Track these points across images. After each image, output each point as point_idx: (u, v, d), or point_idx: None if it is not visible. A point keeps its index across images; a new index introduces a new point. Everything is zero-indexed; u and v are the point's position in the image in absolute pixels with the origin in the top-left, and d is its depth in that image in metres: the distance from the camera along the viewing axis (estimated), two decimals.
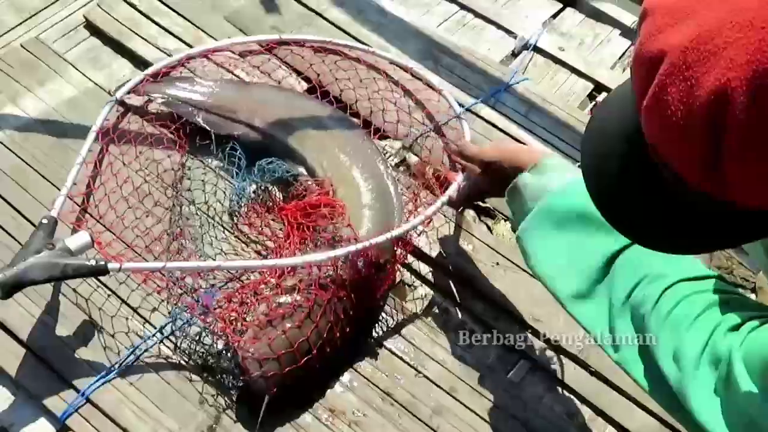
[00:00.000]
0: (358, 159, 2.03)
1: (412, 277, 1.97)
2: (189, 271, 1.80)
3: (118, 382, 1.73)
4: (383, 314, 1.90)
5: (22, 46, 2.20)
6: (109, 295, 1.83)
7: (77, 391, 1.70)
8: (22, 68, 2.14)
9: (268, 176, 1.98)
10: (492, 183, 1.67)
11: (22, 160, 2.01)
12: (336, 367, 1.80)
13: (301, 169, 2.03)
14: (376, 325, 1.88)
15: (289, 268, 1.79)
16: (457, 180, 1.89)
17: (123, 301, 1.84)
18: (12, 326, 1.76)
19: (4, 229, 1.91)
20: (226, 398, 1.73)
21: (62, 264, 1.59)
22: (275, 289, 1.77)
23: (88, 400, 1.69)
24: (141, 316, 1.83)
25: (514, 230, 1.59)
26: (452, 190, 1.87)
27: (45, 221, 1.69)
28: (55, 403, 1.68)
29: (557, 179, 1.35)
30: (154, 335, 1.79)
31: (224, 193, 2.01)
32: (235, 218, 1.98)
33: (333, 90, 2.21)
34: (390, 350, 1.86)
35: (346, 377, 1.81)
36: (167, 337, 1.79)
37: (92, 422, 1.68)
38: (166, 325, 1.80)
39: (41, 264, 1.59)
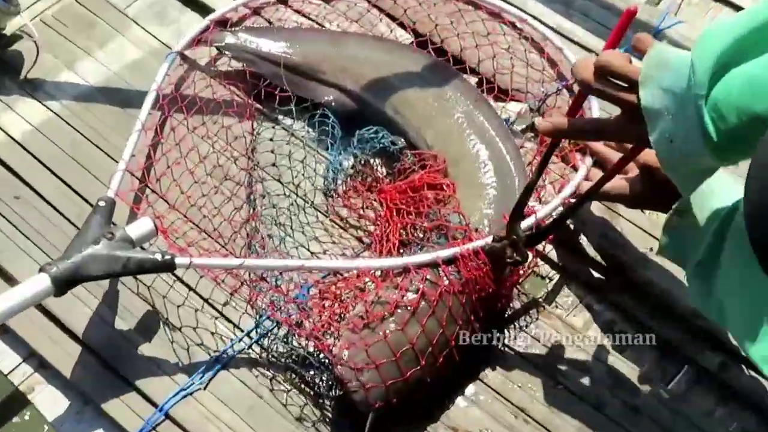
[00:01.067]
0: (475, 128, 1.91)
1: (547, 267, 1.86)
2: (272, 269, 1.73)
3: (201, 395, 1.68)
4: (511, 312, 1.80)
5: (77, 1, 2.16)
6: (188, 293, 1.78)
7: (154, 405, 1.66)
8: (77, 27, 2.10)
9: (369, 148, 1.90)
10: (650, 190, 1.59)
11: (82, 134, 1.98)
12: (456, 377, 1.71)
13: (402, 142, 1.95)
14: (504, 325, 1.78)
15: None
16: (585, 163, 1.77)
17: (200, 296, 1.79)
18: (73, 327, 1.73)
19: (62, 215, 1.87)
20: (326, 413, 1.66)
21: (123, 257, 1.56)
22: (374, 286, 1.70)
23: (168, 416, 1.65)
24: (223, 316, 1.77)
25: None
26: (578, 179, 1.76)
27: (102, 203, 1.66)
28: (129, 419, 1.64)
29: None
30: (240, 340, 1.73)
31: (314, 169, 1.94)
32: (331, 198, 1.91)
33: (448, 45, 2.09)
34: (522, 356, 1.76)
35: (470, 389, 1.71)
36: (256, 342, 1.74)
37: None
38: (252, 329, 1.74)
39: (100, 257, 1.55)
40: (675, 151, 1.15)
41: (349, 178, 1.91)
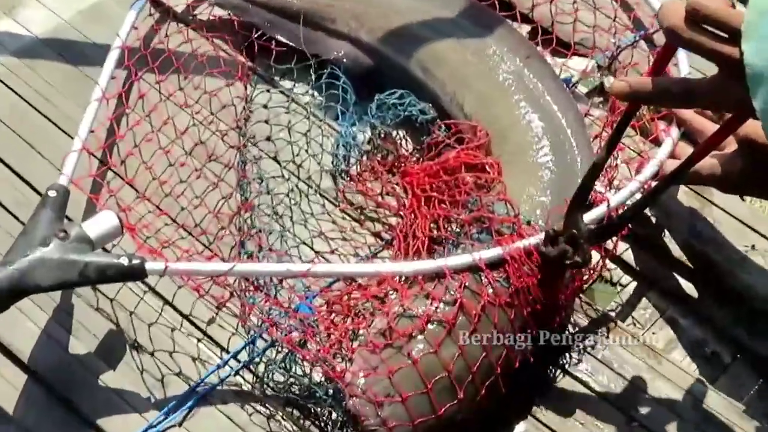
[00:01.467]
0: (526, 92, 1.80)
1: (619, 271, 1.77)
2: (269, 275, 1.63)
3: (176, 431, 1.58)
4: (573, 329, 1.70)
5: None
6: (162, 307, 1.68)
7: None
8: None
9: (391, 117, 1.82)
10: (752, 170, 1.51)
11: (25, 100, 1.89)
12: (503, 413, 1.60)
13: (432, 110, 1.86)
14: (564, 346, 1.68)
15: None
16: (671, 136, 1.66)
17: (178, 311, 1.67)
18: (16, 350, 1.62)
19: (1, 207, 1.77)
20: None
21: (80, 262, 1.48)
22: (398, 295, 1.58)
23: None
24: (207, 336, 1.66)
25: None
26: (662, 156, 1.65)
27: (52, 193, 1.58)
28: None
29: None
30: (225, 363, 1.62)
31: (321, 145, 1.86)
32: (341, 182, 1.83)
33: None
34: (587, 386, 1.65)
35: (520, 428, 1.60)
36: (246, 367, 1.62)
37: None
38: (241, 348, 1.63)
39: (50, 262, 1.47)
40: None
41: (364, 156, 1.84)
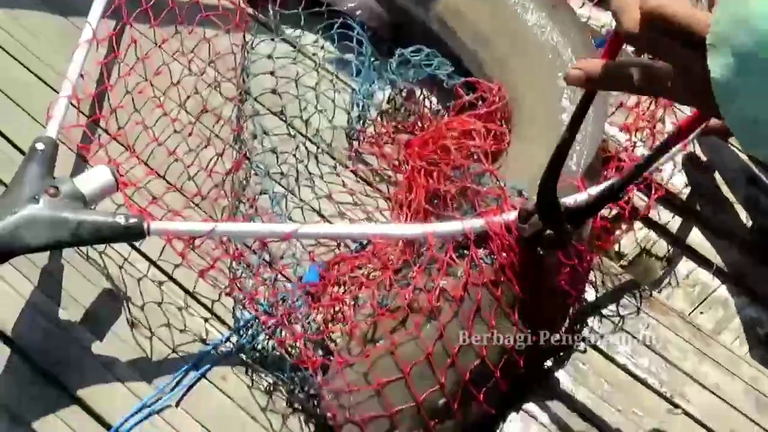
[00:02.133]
0: (548, 49, 1.85)
1: (663, 242, 1.84)
2: (255, 236, 1.72)
3: (171, 415, 1.65)
4: (607, 306, 1.77)
5: None
6: (149, 271, 1.74)
7: (106, 426, 1.63)
8: None
9: (413, 76, 1.87)
10: None
11: (4, 50, 1.95)
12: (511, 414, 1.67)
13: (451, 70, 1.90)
14: (594, 321, 1.76)
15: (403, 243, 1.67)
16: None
17: (175, 281, 1.76)
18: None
19: None
20: None
21: (73, 221, 1.53)
22: (380, 273, 1.66)
23: None
24: (204, 307, 1.74)
25: None
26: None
27: (40, 146, 1.62)
28: None
29: None
30: (227, 339, 1.71)
31: (333, 100, 1.92)
32: (355, 142, 1.89)
33: None
34: (625, 369, 1.73)
35: (547, 413, 1.67)
36: (249, 344, 1.71)
37: None
38: (241, 327, 1.72)
39: (39, 220, 1.52)
40: (761, 136, 1.07)
41: (381, 117, 1.89)
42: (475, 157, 1.71)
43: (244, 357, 1.69)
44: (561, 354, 1.71)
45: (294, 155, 1.88)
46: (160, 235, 1.60)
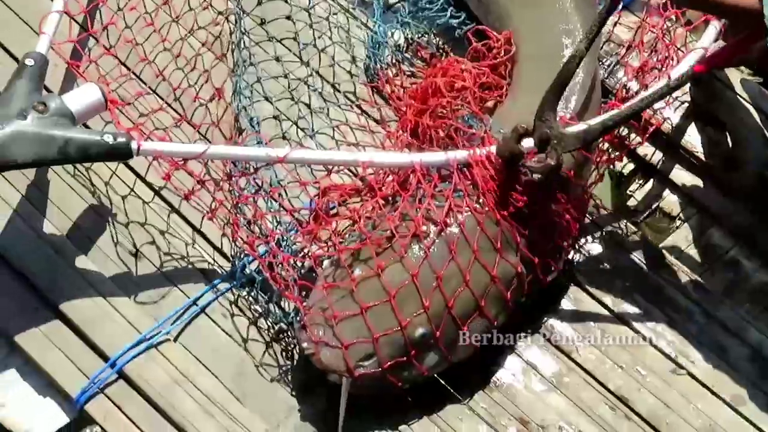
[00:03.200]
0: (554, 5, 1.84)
1: (675, 198, 1.84)
2: (241, 159, 1.72)
3: (169, 349, 1.65)
4: (612, 261, 1.76)
5: None
6: (169, 216, 1.74)
7: (104, 358, 1.62)
8: None
9: (429, 22, 1.91)
10: None
11: None
12: (532, 347, 1.69)
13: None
14: (590, 272, 1.76)
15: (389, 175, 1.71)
16: (712, 26, 1.73)
17: (173, 208, 1.75)
18: None
19: None
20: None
21: (60, 138, 1.52)
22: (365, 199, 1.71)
23: (121, 375, 1.61)
24: (204, 238, 1.74)
25: None
26: (707, 40, 1.71)
27: (29, 62, 1.61)
28: (68, 375, 1.60)
29: None
30: (231, 276, 1.71)
31: (347, 32, 1.93)
32: (372, 77, 1.90)
33: None
34: (631, 327, 1.72)
35: (550, 366, 1.68)
36: (250, 282, 1.71)
37: (127, 411, 1.59)
38: (228, 276, 1.72)
39: (27, 136, 1.51)
40: None
41: (395, 57, 1.91)
42: (466, 99, 1.75)
43: (244, 293, 1.69)
44: (552, 289, 1.71)
45: (306, 82, 1.90)
46: (148, 155, 1.59)
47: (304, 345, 1.55)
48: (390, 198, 1.67)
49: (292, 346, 1.65)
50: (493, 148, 1.58)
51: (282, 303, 1.66)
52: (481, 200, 1.59)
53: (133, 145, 1.53)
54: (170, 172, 1.63)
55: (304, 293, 1.61)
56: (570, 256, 1.75)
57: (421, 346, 1.55)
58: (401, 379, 1.56)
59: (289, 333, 1.65)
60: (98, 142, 1.52)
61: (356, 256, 1.59)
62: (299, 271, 1.67)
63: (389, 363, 1.54)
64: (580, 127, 1.56)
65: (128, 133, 1.57)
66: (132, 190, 1.76)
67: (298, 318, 1.61)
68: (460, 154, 1.61)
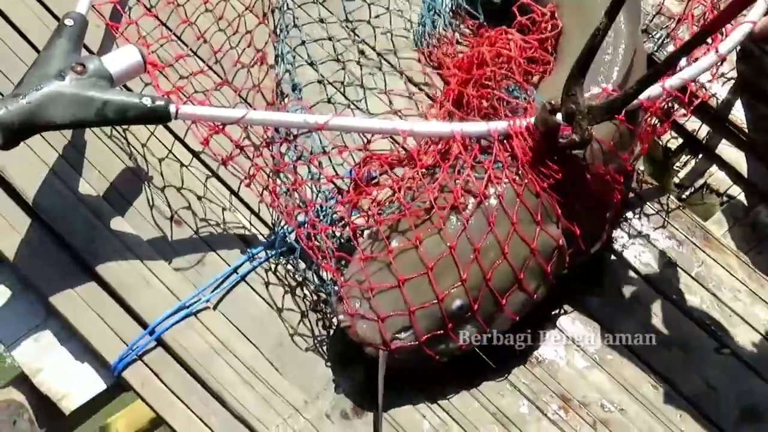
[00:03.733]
0: None
1: (723, 176, 1.83)
2: (280, 125, 1.69)
3: (208, 317, 1.64)
4: (661, 237, 1.75)
5: None
6: (207, 181, 1.73)
7: (143, 325, 1.61)
8: None
9: None
10: None
11: None
12: (572, 324, 1.68)
13: None
14: (635, 247, 1.75)
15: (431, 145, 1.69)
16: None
17: (213, 172, 1.73)
18: (25, 193, 1.68)
19: (19, 33, 1.81)
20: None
21: (99, 100, 1.50)
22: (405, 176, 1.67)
23: (160, 342, 1.60)
24: (243, 204, 1.73)
25: None
26: (756, 14, 1.70)
27: (69, 22, 1.60)
28: (107, 341, 1.59)
29: None
30: (272, 245, 1.69)
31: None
32: (423, 43, 1.89)
33: None
34: (677, 304, 1.71)
35: (594, 345, 1.66)
36: (289, 250, 1.70)
37: (165, 379, 1.59)
38: (268, 245, 1.71)
39: (65, 97, 1.50)
40: None
41: (444, 26, 1.90)
42: (511, 69, 1.73)
43: (283, 262, 1.68)
44: (595, 263, 1.70)
45: (357, 61, 1.89)
46: (187, 118, 1.57)
47: (341, 317, 1.54)
48: (430, 168, 1.65)
49: (330, 316, 1.63)
50: (532, 120, 1.56)
51: (321, 273, 1.64)
52: (520, 172, 1.57)
53: (172, 109, 1.51)
54: (209, 137, 1.61)
55: (342, 264, 1.59)
56: (613, 230, 1.72)
57: (458, 318, 1.54)
58: (439, 352, 1.54)
59: (327, 303, 1.63)
60: (136, 104, 1.51)
61: (395, 228, 1.57)
62: (339, 242, 1.65)
63: (426, 336, 1.52)
64: (604, 98, 1.55)
65: (167, 96, 1.55)
66: (170, 151, 1.74)
67: (335, 289, 1.59)
68: (500, 125, 1.59)
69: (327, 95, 1.81)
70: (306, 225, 1.62)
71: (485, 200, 1.56)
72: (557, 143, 1.55)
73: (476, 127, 1.61)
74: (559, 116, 1.52)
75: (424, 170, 1.64)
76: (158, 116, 1.53)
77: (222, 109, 1.68)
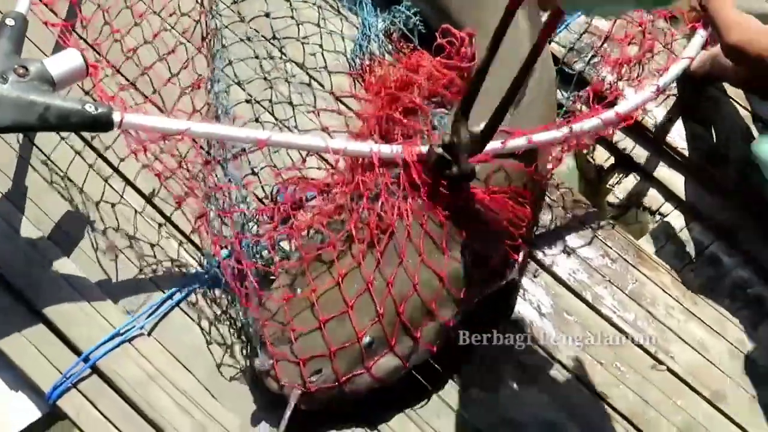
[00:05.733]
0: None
1: (656, 193, 1.83)
2: (224, 138, 1.69)
3: (143, 344, 1.64)
4: (593, 254, 1.76)
5: None
6: (144, 207, 1.73)
7: (76, 352, 1.61)
8: None
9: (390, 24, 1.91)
10: (754, 77, 1.64)
11: None
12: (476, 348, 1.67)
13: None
14: (568, 267, 1.75)
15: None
16: (698, 35, 1.78)
17: (142, 195, 1.73)
18: None
19: None
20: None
21: (40, 104, 1.47)
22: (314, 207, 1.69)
23: (95, 370, 1.60)
24: (176, 229, 1.73)
25: None
26: (693, 50, 1.77)
27: (10, 22, 1.56)
28: (41, 369, 1.59)
29: None
30: (209, 271, 1.69)
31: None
32: (356, 63, 1.91)
33: None
34: (610, 321, 1.72)
35: (527, 361, 1.66)
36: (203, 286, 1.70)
37: (101, 407, 1.58)
38: (204, 273, 1.71)
39: (6, 100, 1.46)
40: None
41: (378, 49, 1.91)
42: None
43: (218, 291, 1.68)
44: (506, 292, 1.69)
45: (286, 79, 1.88)
46: (130, 128, 1.54)
47: (263, 361, 1.53)
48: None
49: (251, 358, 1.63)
50: (424, 148, 1.56)
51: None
52: (420, 202, 1.57)
53: (115, 117, 1.48)
54: (144, 148, 1.60)
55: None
56: (528, 253, 1.73)
57: (374, 354, 1.54)
58: (355, 389, 1.54)
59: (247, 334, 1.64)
60: (80, 111, 1.48)
61: (315, 264, 1.57)
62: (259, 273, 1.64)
63: (345, 377, 1.52)
64: (476, 130, 1.53)
65: (110, 104, 1.52)
66: (106, 182, 1.74)
67: (253, 328, 1.59)
68: (395, 149, 1.58)
69: (254, 114, 1.82)
70: (231, 257, 1.61)
71: (395, 232, 1.56)
72: (445, 176, 1.55)
73: (388, 149, 1.60)
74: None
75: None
76: (101, 124, 1.50)
77: (166, 119, 1.65)
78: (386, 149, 1.59)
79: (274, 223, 1.67)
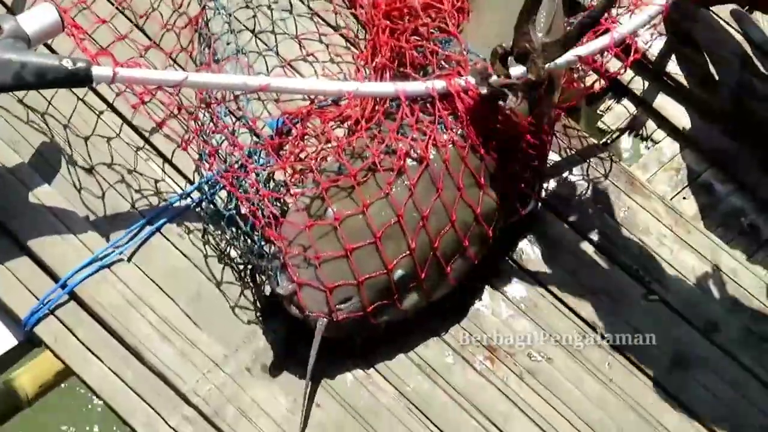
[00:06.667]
0: None
1: (651, 122, 1.82)
2: (220, 87, 1.67)
3: (122, 269, 1.61)
4: (581, 186, 1.74)
5: None
6: (121, 128, 1.70)
7: (54, 278, 1.58)
8: None
9: None
10: None
11: None
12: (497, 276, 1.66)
13: None
14: (563, 197, 1.74)
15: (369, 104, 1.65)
16: None
17: (124, 119, 1.71)
18: None
19: None
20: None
21: (16, 63, 1.47)
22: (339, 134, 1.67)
23: (72, 296, 1.58)
24: (158, 154, 1.70)
25: None
26: None
27: None
28: (17, 295, 1.57)
29: None
30: (187, 195, 1.67)
31: None
32: None
33: None
34: (601, 248, 1.71)
35: (517, 290, 1.65)
36: (208, 200, 1.68)
37: (78, 334, 1.56)
38: (201, 183, 1.68)
39: None
40: None
41: None
42: (439, 21, 1.69)
43: (202, 214, 1.66)
44: (526, 221, 1.68)
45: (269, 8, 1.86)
46: (125, 83, 1.55)
47: (285, 285, 1.50)
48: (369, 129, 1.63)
49: (252, 270, 1.62)
50: (471, 78, 1.54)
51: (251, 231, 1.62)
52: (463, 132, 1.55)
53: (94, 71, 1.48)
54: (138, 104, 1.60)
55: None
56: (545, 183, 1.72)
57: (402, 288, 1.53)
58: (380, 321, 1.53)
59: (249, 257, 1.61)
60: (56, 67, 1.48)
61: (334, 190, 1.55)
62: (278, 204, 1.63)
63: (372, 306, 1.51)
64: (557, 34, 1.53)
65: (89, 58, 1.52)
66: (82, 100, 1.71)
67: (276, 254, 1.55)
68: (438, 84, 1.56)
69: (237, 46, 1.79)
70: (232, 167, 1.60)
71: (430, 164, 1.53)
72: (502, 94, 1.52)
73: (416, 86, 1.58)
74: (512, 67, 1.50)
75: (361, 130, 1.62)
76: (79, 79, 1.50)
77: (162, 71, 1.65)
78: (416, 86, 1.57)
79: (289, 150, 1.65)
